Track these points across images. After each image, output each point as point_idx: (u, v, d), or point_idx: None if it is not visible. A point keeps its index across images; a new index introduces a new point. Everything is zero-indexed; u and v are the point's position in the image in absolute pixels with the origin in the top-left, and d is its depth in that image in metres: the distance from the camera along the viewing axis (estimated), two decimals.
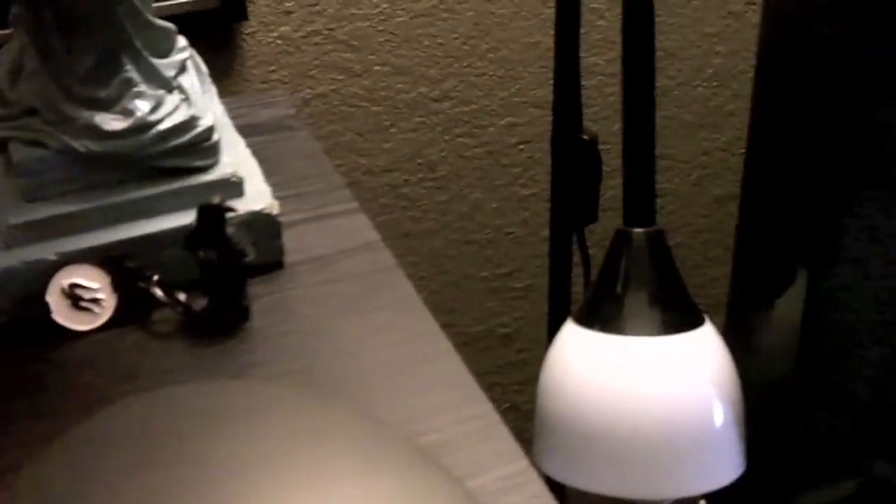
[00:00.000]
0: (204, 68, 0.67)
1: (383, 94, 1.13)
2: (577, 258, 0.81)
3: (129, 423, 0.42)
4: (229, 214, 0.56)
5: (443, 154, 1.18)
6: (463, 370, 0.54)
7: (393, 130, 1.15)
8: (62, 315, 0.57)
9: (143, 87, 0.60)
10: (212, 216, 0.55)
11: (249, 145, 0.68)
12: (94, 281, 0.58)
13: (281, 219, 0.62)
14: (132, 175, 0.60)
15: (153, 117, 0.59)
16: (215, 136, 0.61)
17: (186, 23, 0.91)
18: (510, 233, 1.27)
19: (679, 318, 0.60)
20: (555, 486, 0.60)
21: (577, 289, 0.78)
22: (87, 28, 0.58)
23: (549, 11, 1.14)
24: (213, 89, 0.68)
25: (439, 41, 1.12)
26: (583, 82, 0.78)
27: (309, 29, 1.06)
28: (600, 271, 0.62)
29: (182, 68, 0.64)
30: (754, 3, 1.26)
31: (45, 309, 0.57)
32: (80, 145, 0.58)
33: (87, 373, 0.55)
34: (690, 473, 0.58)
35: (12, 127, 0.60)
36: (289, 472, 0.39)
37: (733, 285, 1.18)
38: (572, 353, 0.60)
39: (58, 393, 0.54)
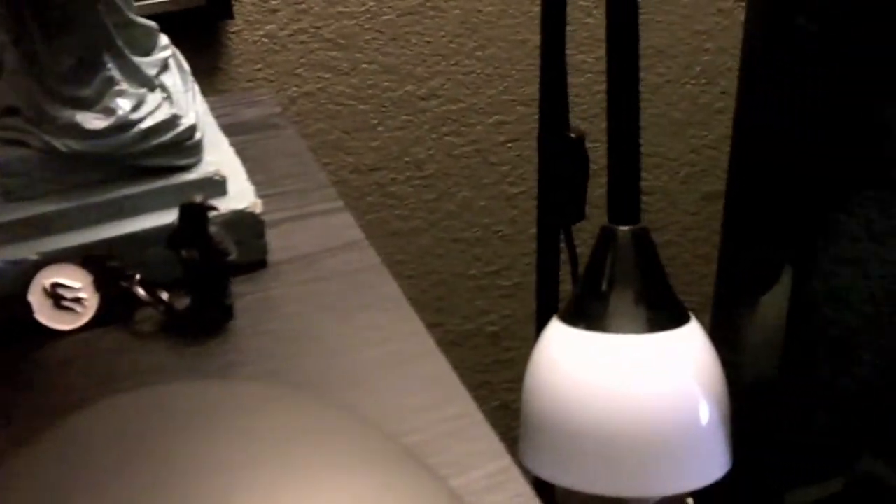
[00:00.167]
0: (186, 66, 0.67)
1: (370, 92, 1.12)
2: (565, 256, 0.81)
3: (111, 423, 0.42)
4: (212, 213, 0.56)
5: (430, 152, 1.18)
6: (447, 369, 0.53)
7: (380, 129, 1.15)
8: (44, 315, 0.57)
9: (124, 86, 0.59)
10: (194, 215, 0.55)
11: (234, 144, 0.67)
12: (76, 280, 0.57)
13: (265, 217, 0.62)
14: (114, 174, 0.60)
15: (135, 116, 0.59)
16: (197, 135, 0.61)
17: (173, 21, 0.91)
18: (498, 231, 1.27)
19: (664, 315, 0.59)
20: (544, 486, 0.60)
21: (566, 287, 0.78)
22: (69, 27, 0.58)
23: (537, 9, 1.14)
24: (195, 87, 0.67)
25: (426, 39, 1.12)
26: (571, 80, 0.78)
27: (295, 27, 1.06)
28: (585, 269, 0.62)
29: (164, 66, 0.64)
30: (742, 1, 1.26)
31: (27, 309, 0.56)
32: (62, 144, 0.58)
33: (69, 372, 0.55)
34: (676, 471, 0.58)
35: None
36: (272, 471, 0.38)
37: (719, 283, 1.18)
38: (558, 352, 0.60)
39: (40, 393, 0.53)
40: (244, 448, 0.39)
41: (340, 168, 1.15)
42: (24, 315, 0.56)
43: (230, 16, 1.02)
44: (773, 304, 1.06)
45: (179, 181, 0.60)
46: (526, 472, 0.54)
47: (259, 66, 1.06)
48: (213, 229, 0.56)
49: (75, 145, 0.58)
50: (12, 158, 0.59)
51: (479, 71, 1.16)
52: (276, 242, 0.64)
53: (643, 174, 1.31)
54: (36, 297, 0.57)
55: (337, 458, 0.40)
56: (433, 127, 1.17)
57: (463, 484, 0.46)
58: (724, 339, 1.10)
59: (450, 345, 1.31)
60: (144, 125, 0.59)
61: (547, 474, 0.60)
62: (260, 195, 0.62)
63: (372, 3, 1.08)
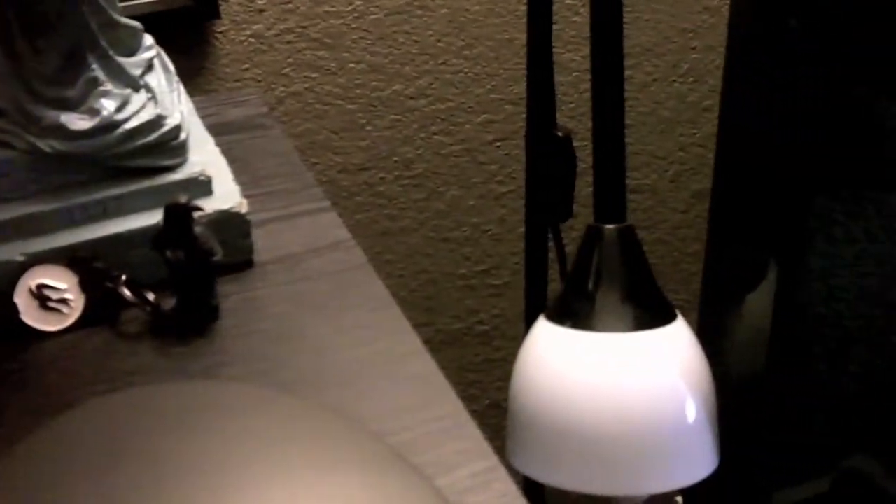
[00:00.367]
0: (171, 66, 0.67)
1: (358, 91, 1.12)
2: (553, 255, 0.81)
3: (98, 424, 0.42)
4: (197, 213, 0.56)
5: (419, 152, 1.18)
6: (434, 368, 0.53)
7: (368, 128, 1.15)
8: (30, 316, 0.57)
9: (109, 87, 0.59)
10: (179, 215, 0.55)
11: (220, 144, 0.67)
12: (61, 281, 0.57)
13: (250, 217, 0.62)
14: (99, 175, 0.60)
15: (119, 116, 0.59)
16: (182, 135, 0.61)
17: (160, 21, 0.91)
18: (487, 230, 1.27)
19: (650, 314, 0.60)
20: (534, 485, 0.60)
21: (555, 285, 0.78)
22: (52, 27, 0.57)
23: (524, 8, 1.14)
24: (180, 87, 0.67)
25: (414, 38, 1.12)
26: (558, 79, 0.78)
27: (282, 27, 1.06)
28: (572, 268, 0.62)
29: (149, 67, 0.63)
30: None
31: (13, 310, 0.56)
32: (47, 145, 0.58)
33: (55, 373, 0.55)
34: (664, 469, 0.58)
35: None
36: (259, 471, 0.38)
37: (705, 281, 1.18)
38: (544, 351, 0.60)
39: (26, 394, 0.53)
40: (231, 448, 0.39)
41: (329, 168, 1.15)
42: (10, 316, 0.56)
43: (217, 16, 1.02)
44: (760, 302, 1.06)
45: (164, 181, 0.60)
46: (514, 471, 0.54)
47: (246, 65, 1.06)
48: (198, 229, 0.56)
49: (60, 146, 0.58)
50: None
51: (466, 70, 1.16)
52: (263, 242, 0.63)
53: (632, 173, 1.31)
54: (22, 299, 0.57)
55: (323, 457, 0.40)
56: (421, 126, 1.17)
57: (449, 483, 0.46)
58: (711, 337, 1.10)
59: (440, 344, 1.31)
60: (129, 126, 0.59)
61: (534, 473, 0.60)
62: (246, 195, 0.62)
63: (359, 3, 1.08)
